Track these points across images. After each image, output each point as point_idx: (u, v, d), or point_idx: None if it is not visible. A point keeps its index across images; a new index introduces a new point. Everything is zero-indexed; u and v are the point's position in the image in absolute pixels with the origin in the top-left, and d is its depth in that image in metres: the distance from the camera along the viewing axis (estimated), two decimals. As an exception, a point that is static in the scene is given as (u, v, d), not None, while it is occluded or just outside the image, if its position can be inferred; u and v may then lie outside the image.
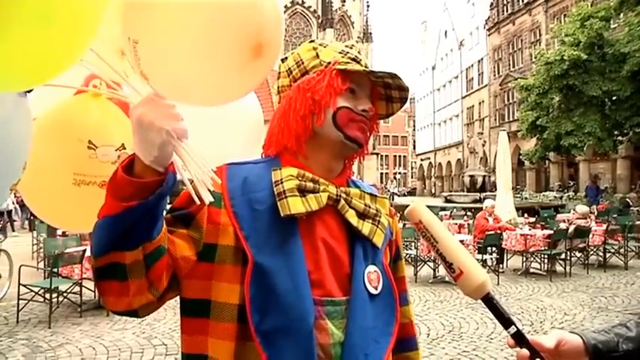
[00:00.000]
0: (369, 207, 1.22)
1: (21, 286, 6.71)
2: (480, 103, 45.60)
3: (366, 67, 1.23)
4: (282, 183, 1.13)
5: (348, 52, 1.23)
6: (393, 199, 29.27)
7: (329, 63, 1.21)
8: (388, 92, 1.26)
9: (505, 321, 1.10)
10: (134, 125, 0.97)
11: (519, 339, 1.08)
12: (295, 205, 1.11)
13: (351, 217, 1.18)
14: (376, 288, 1.18)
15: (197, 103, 1.16)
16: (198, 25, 0.98)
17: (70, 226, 1.95)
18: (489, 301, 1.11)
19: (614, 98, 20.94)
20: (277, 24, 1.10)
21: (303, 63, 1.23)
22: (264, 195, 1.14)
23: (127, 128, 1.60)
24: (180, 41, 0.99)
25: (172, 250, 1.07)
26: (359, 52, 1.26)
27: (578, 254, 10.53)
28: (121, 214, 0.95)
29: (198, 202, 1.04)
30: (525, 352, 1.06)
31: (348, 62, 1.21)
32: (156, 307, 1.10)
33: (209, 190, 1.05)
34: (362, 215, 1.20)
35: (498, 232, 10.07)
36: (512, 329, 1.08)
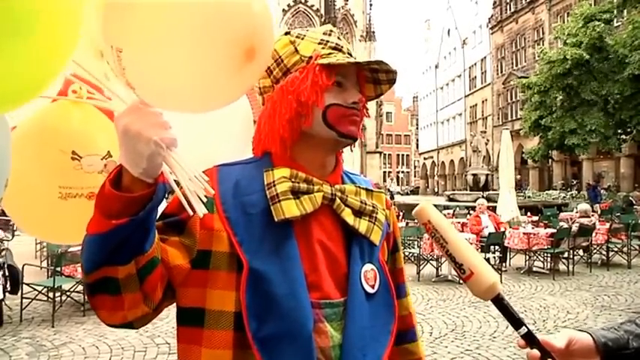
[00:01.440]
0: (365, 204, 1.18)
1: (24, 285, 6.73)
2: (482, 102, 45.53)
3: (349, 53, 1.17)
4: (274, 186, 1.09)
5: (328, 41, 1.16)
6: (392, 199, 29.25)
7: (310, 58, 1.14)
8: (375, 75, 1.20)
9: (515, 322, 1.08)
10: (120, 136, 0.91)
11: (530, 339, 1.07)
12: (289, 209, 1.07)
13: (347, 215, 1.15)
14: (373, 287, 1.15)
15: (186, 111, 1.11)
16: (187, 32, 0.92)
17: (60, 240, 1.87)
18: (500, 302, 1.10)
19: (617, 97, 20.90)
20: (268, 25, 1.05)
21: (282, 61, 1.16)
22: (256, 198, 1.10)
23: (111, 134, 1.47)
24: (169, 49, 0.92)
25: (166, 259, 1.03)
26: (339, 38, 1.18)
27: (581, 253, 10.51)
28: (110, 232, 0.91)
29: (191, 213, 1.00)
30: (536, 352, 1.05)
31: (330, 53, 1.14)
32: (152, 318, 1.06)
33: (202, 201, 1.00)
34: (358, 213, 1.17)
35: (500, 230, 10.07)
36: (523, 330, 1.07)
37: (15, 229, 14.90)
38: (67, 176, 1.48)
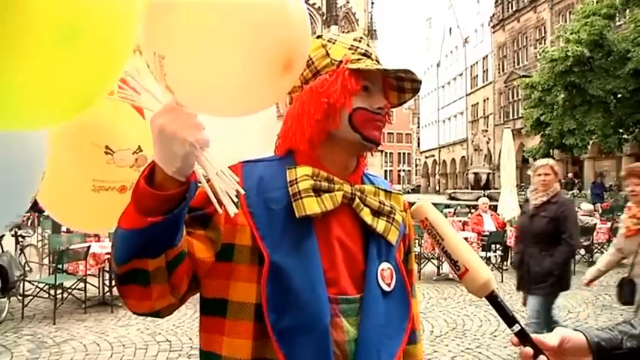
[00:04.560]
0: (384, 204, 1.21)
1: (26, 282, 6.75)
2: (484, 101, 45.49)
3: (377, 60, 1.21)
4: (297, 183, 1.13)
5: (358, 47, 1.20)
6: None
7: (340, 62, 1.17)
8: (400, 84, 1.23)
9: (509, 319, 1.09)
10: (155, 136, 0.94)
11: (523, 337, 1.08)
12: (310, 206, 1.11)
13: (366, 215, 1.18)
14: (389, 285, 1.19)
15: (221, 115, 1.15)
16: (231, 44, 0.95)
17: (92, 229, 1.95)
18: (493, 300, 1.11)
19: (619, 96, 20.88)
20: (305, 37, 1.09)
21: (313, 63, 1.19)
22: (279, 194, 1.13)
23: (141, 129, 1.54)
24: (213, 59, 0.96)
25: (191, 252, 1.06)
26: (368, 45, 1.23)
27: (583, 252, 10.50)
28: (145, 229, 0.94)
29: (220, 212, 1.03)
30: (529, 350, 1.06)
31: (359, 59, 1.18)
32: (177, 308, 1.11)
33: (233, 201, 1.03)
34: (376, 213, 1.20)
35: (500, 230, 10.06)
36: (516, 327, 1.08)
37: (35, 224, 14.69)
38: (100, 170, 1.53)
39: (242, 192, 1.06)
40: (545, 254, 4.39)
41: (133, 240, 0.96)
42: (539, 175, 4.49)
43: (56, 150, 1.45)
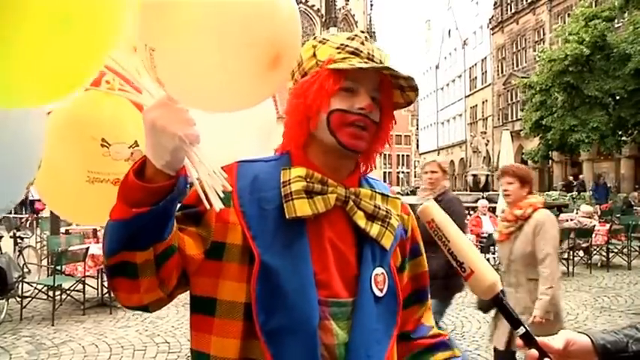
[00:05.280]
0: (379, 208, 1.20)
1: (24, 284, 6.73)
2: (483, 103, 45.48)
3: (369, 58, 1.15)
4: (289, 184, 1.12)
5: (347, 46, 1.15)
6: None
7: (324, 62, 1.15)
8: (396, 82, 1.18)
9: (514, 322, 1.09)
10: (147, 129, 0.97)
11: (528, 340, 1.07)
12: (301, 208, 1.10)
13: (359, 218, 1.17)
14: (381, 290, 1.18)
15: (210, 110, 1.16)
16: (218, 37, 0.97)
17: (85, 221, 1.99)
18: (499, 302, 1.11)
19: (617, 98, 20.93)
20: (295, 33, 1.09)
21: (302, 64, 1.19)
22: (272, 195, 1.13)
23: (139, 124, 1.58)
24: (200, 52, 0.98)
25: (182, 248, 1.07)
26: (362, 43, 1.16)
27: (581, 254, 10.50)
28: (131, 219, 0.96)
29: (208, 207, 1.04)
30: (534, 352, 1.06)
31: (345, 57, 1.14)
32: (166, 303, 1.11)
33: (219, 197, 1.03)
34: (371, 217, 1.18)
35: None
36: (521, 330, 1.08)
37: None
38: (95, 162, 1.56)
39: (229, 188, 1.06)
40: (433, 256, 4.12)
41: (120, 230, 0.98)
42: (427, 172, 4.30)
43: (54, 141, 1.48)
